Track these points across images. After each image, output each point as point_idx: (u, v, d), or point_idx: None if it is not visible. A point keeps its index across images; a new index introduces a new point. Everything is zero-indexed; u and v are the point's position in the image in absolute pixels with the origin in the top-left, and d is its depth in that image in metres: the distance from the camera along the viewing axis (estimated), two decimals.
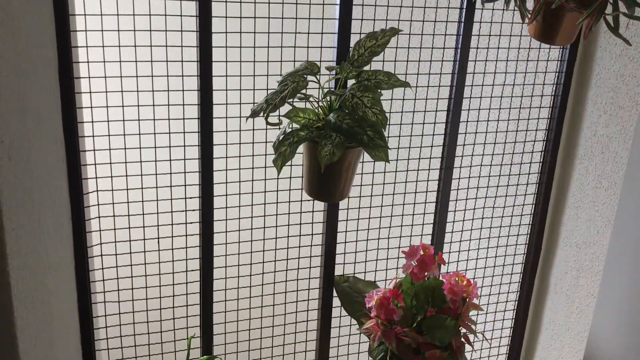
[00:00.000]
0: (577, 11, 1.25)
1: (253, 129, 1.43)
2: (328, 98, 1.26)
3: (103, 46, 1.27)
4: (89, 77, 1.31)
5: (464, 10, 1.51)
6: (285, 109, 1.23)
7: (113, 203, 1.42)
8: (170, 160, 1.42)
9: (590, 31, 1.28)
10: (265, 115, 1.19)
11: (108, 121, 1.35)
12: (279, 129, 1.27)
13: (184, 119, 1.39)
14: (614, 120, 1.60)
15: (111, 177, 1.40)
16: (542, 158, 1.79)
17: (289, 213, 1.57)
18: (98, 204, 1.42)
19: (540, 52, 1.69)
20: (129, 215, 1.43)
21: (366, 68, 1.26)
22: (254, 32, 1.38)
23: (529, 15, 1.33)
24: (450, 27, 1.56)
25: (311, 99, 1.25)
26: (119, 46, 1.29)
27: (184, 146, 1.42)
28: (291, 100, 1.21)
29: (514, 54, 1.67)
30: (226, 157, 1.45)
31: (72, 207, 1.35)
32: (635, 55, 1.52)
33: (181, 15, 1.30)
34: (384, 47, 1.20)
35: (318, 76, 1.24)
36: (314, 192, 1.33)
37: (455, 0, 1.54)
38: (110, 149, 1.37)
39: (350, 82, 1.28)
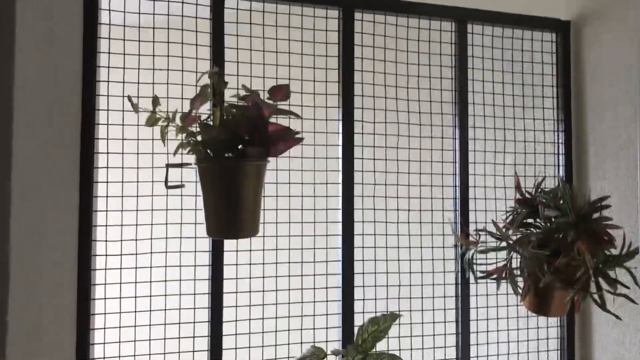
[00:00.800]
0: (564, 289, 1.33)
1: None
2: None
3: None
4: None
5: (460, 285, 1.61)
6: None
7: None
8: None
9: (583, 303, 1.35)
10: None
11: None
12: None
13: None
14: None
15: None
16: None
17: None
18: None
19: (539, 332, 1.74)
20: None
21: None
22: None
23: (521, 292, 1.41)
24: (449, 298, 1.64)
25: None
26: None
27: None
28: None
29: (514, 322, 1.72)
30: None
31: None
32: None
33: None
34: (386, 332, 1.26)
35: None
36: None
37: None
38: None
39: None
